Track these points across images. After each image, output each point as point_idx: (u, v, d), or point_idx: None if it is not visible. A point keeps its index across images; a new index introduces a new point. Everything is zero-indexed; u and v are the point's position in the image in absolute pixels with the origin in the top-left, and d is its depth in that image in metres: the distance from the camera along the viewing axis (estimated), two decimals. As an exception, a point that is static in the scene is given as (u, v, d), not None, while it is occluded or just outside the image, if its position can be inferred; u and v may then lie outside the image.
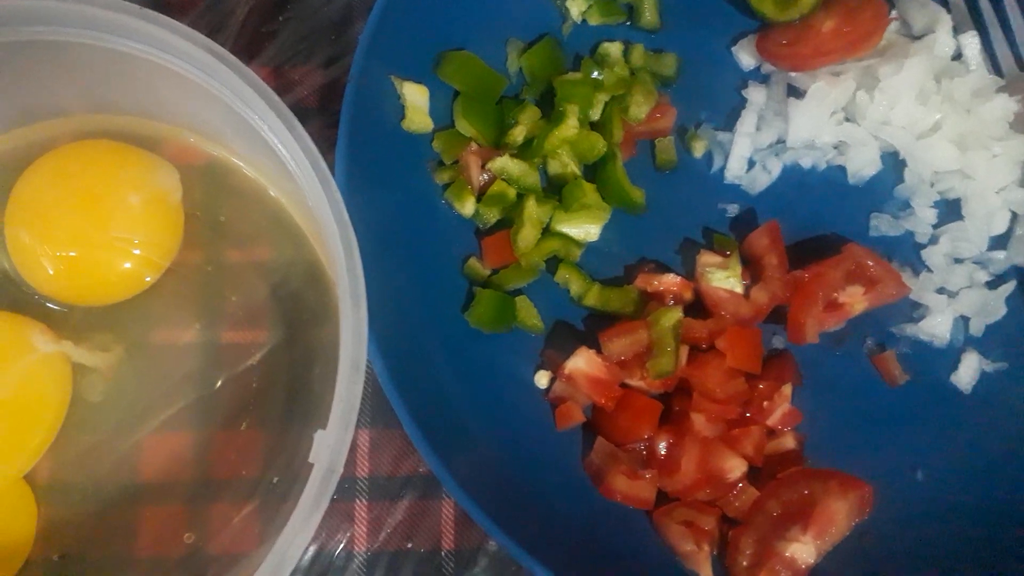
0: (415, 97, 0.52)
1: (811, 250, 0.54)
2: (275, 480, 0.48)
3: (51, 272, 0.49)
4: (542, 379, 0.52)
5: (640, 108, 0.54)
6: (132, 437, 0.50)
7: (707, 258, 0.52)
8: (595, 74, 0.54)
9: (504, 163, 0.52)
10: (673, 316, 0.50)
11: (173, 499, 0.50)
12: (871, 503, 0.48)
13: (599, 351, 0.51)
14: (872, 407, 0.53)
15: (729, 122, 0.57)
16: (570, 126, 0.52)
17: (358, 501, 0.51)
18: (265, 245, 0.53)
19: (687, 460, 0.48)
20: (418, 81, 0.52)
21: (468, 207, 0.53)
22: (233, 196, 0.53)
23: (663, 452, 0.49)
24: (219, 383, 0.51)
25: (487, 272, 0.53)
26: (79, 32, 0.44)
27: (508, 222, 0.54)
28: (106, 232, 0.49)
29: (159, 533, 0.49)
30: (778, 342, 0.53)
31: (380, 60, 0.50)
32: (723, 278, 0.51)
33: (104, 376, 0.50)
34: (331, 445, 0.39)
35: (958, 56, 0.55)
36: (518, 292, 0.53)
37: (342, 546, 0.51)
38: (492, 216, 0.53)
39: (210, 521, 0.49)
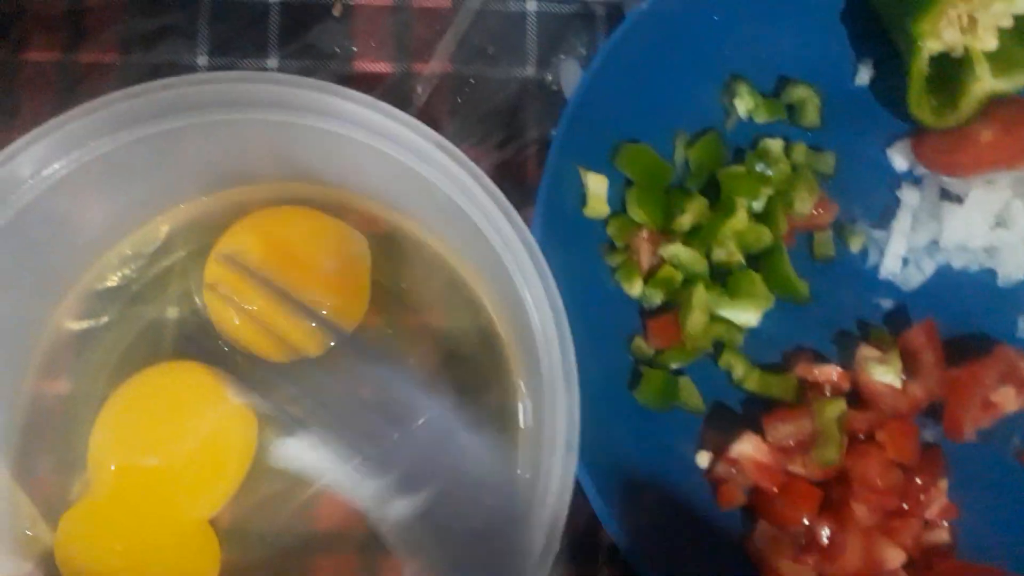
0: (596, 186, 0.55)
1: (961, 348, 0.56)
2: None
3: (242, 326, 0.51)
4: (703, 459, 0.54)
5: (804, 203, 0.56)
6: (310, 488, 0.52)
7: (867, 351, 0.54)
8: (759, 167, 0.57)
9: (676, 250, 0.55)
10: (838, 407, 0.52)
11: (347, 548, 0.52)
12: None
13: (761, 435, 0.53)
14: (1019, 504, 0.54)
15: (883, 221, 0.59)
16: (740, 219, 0.55)
17: None
18: (441, 311, 0.56)
19: (850, 548, 0.50)
20: (597, 171, 0.55)
21: (636, 288, 0.56)
22: (413, 264, 0.56)
23: (825, 539, 0.51)
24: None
25: (652, 351, 0.55)
26: (287, 112, 0.47)
27: (671, 305, 0.56)
28: (300, 294, 0.51)
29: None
30: (927, 436, 0.55)
31: (568, 152, 0.53)
32: (883, 372, 0.53)
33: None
34: (548, 525, 0.41)
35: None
36: (679, 372, 0.55)
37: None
38: (658, 297, 0.56)
39: (382, 571, 0.51)
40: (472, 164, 0.44)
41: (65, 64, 0.59)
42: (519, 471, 0.47)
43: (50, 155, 0.44)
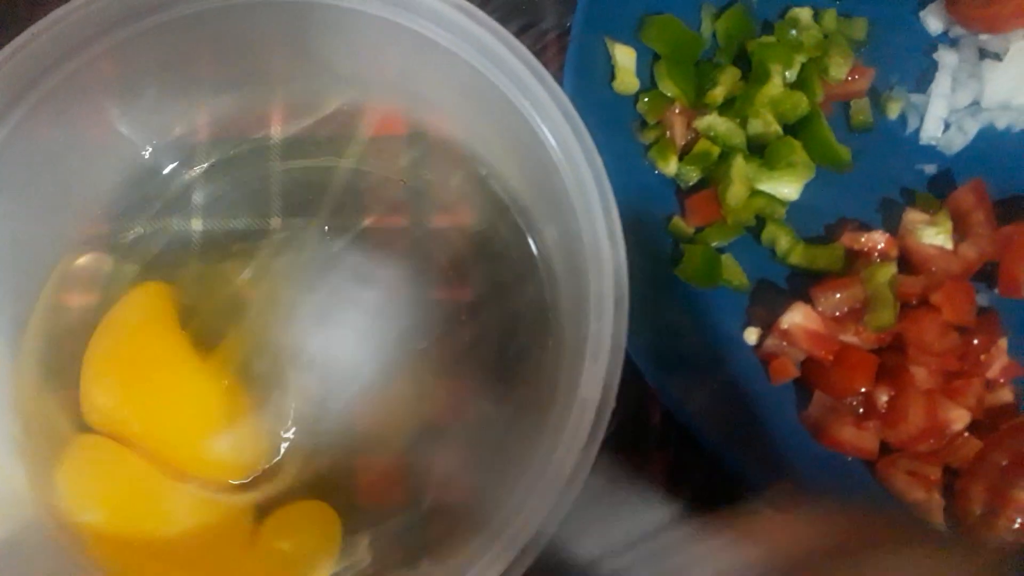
0: (624, 59, 0.53)
1: (1011, 209, 0.55)
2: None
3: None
4: (751, 335, 0.52)
5: (840, 68, 0.54)
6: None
7: (914, 215, 0.52)
8: (791, 34, 0.55)
9: (712, 121, 0.53)
10: (889, 271, 0.50)
11: (388, 451, 0.50)
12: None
13: (811, 306, 0.51)
14: (1081, 361, 0.52)
15: (920, 85, 0.57)
16: (775, 85, 0.53)
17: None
18: (466, 210, 0.54)
19: (912, 411, 0.48)
20: (625, 44, 0.53)
21: (671, 166, 0.54)
22: (437, 163, 0.54)
23: (884, 404, 0.49)
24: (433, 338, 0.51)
25: (691, 230, 0.53)
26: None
27: (708, 182, 0.54)
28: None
29: (377, 483, 0.49)
30: (982, 300, 0.53)
31: (593, 25, 0.51)
32: (933, 234, 0.51)
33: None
34: (603, 379, 0.39)
35: None
36: (721, 251, 0.53)
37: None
38: (694, 175, 0.54)
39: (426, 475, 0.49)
40: (497, 25, 0.42)
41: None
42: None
43: (56, 49, 0.42)
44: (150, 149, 0.51)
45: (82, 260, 0.50)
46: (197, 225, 0.52)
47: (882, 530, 0.34)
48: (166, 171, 0.51)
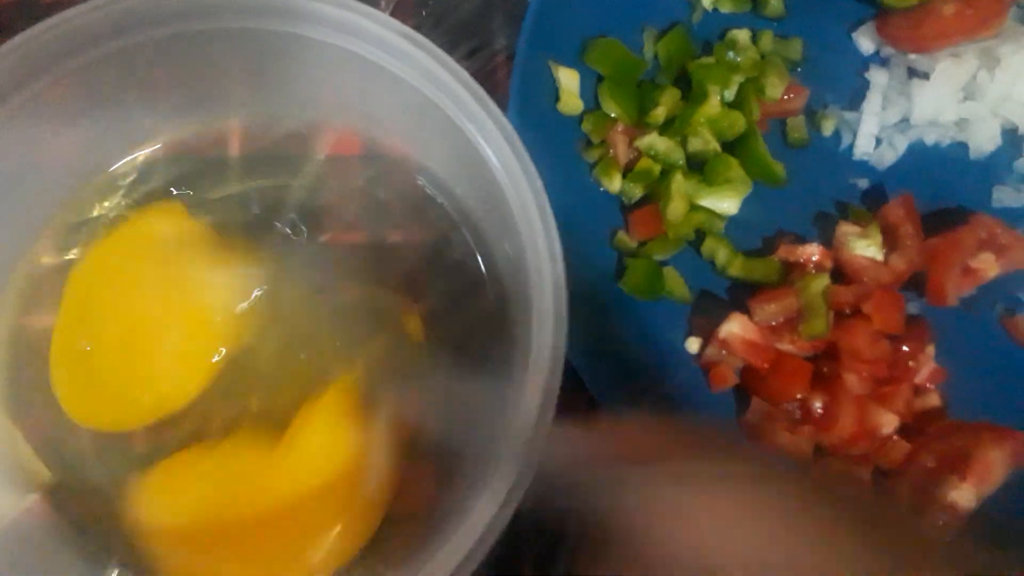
0: (568, 81, 0.55)
1: (938, 221, 0.57)
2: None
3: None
4: (693, 345, 0.55)
5: (776, 88, 0.57)
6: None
7: (846, 228, 0.55)
8: (728, 56, 0.57)
9: (652, 140, 0.55)
10: (822, 282, 0.53)
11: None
12: (1025, 451, 0.50)
13: (748, 316, 0.53)
14: (1006, 366, 0.55)
15: (853, 103, 0.60)
16: (713, 105, 0.55)
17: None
18: (419, 226, 0.55)
19: (844, 416, 0.51)
20: (569, 67, 0.55)
21: (615, 183, 0.56)
22: (391, 182, 0.56)
23: (819, 410, 0.51)
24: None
25: (635, 244, 0.56)
26: (251, 17, 0.47)
27: (650, 198, 0.56)
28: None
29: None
30: (912, 308, 0.56)
31: (538, 48, 0.53)
32: (864, 246, 0.54)
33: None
34: (542, 392, 0.41)
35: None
36: (663, 264, 0.56)
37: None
38: (637, 191, 0.56)
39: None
40: (441, 52, 0.44)
41: (25, 4, 0.58)
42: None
43: (10, 78, 0.43)
44: (108, 169, 0.52)
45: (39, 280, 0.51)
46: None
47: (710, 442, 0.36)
48: (124, 190, 0.52)
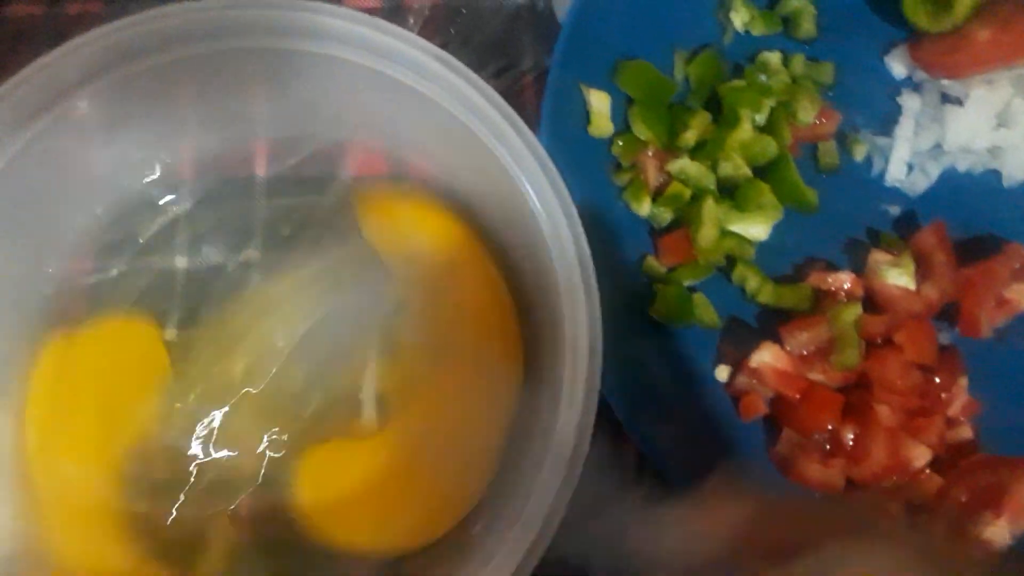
0: (599, 103, 0.54)
1: (970, 250, 0.56)
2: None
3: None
4: (722, 372, 0.54)
5: (807, 112, 0.56)
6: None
7: (879, 256, 0.54)
8: (760, 79, 0.57)
9: (683, 164, 0.54)
10: (854, 311, 0.52)
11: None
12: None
13: (779, 345, 0.53)
14: (1040, 399, 0.54)
15: (885, 128, 0.59)
16: (745, 129, 0.55)
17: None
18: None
19: (876, 449, 0.50)
20: (600, 89, 0.55)
21: (645, 207, 0.55)
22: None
23: (850, 441, 0.50)
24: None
25: (664, 269, 0.55)
26: (279, 38, 0.46)
27: (680, 223, 0.56)
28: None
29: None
30: (944, 339, 0.55)
31: (570, 70, 0.53)
32: (897, 275, 0.53)
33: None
34: (576, 426, 0.40)
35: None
36: (692, 290, 0.55)
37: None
38: (667, 216, 0.55)
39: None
40: (472, 74, 0.43)
41: (50, 16, 0.57)
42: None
43: (38, 98, 0.43)
44: (135, 188, 0.52)
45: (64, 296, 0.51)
46: (181, 263, 0.52)
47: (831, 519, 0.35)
48: (149, 210, 0.52)
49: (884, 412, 0.50)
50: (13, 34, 0.57)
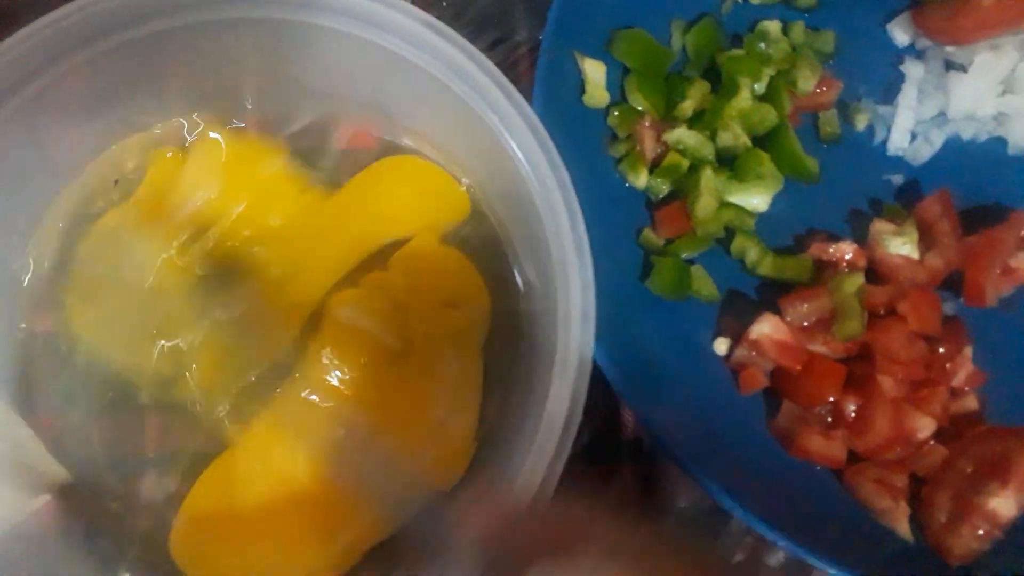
0: (594, 73, 0.53)
1: (975, 218, 0.55)
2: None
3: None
4: (721, 346, 0.53)
5: (808, 81, 0.55)
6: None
7: (881, 226, 0.53)
8: (759, 47, 0.55)
9: (681, 134, 0.53)
10: (856, 281, 0.51)
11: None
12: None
13: (779, 316, 0.51)
14: (1045, 369, 0.53)
15: (887, 96, 0.58)
16: (744, 98, 0.53)
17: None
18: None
19: (879, 420, 0.49)
20: (595, 58, 0.54)
21: (642, 179, 0.54)
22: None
23: (852, 413, 0.49)
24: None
25: (661, 242, 0.54)
26: (268, 7, 0.45)
27: (678, 194, 0.55)
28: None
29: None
30: (948, 309, 0.54)
31: (564, 38, 0.51)
32: (900, 244, 0.52)
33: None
34: (570, 393, 0.39)
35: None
36: (691, 262, 0.54)
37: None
38: (664, 187, 0.54)
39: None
40: (463, 40, 0.42)
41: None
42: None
43: (20, 69, 0.42)
44: (117, 164, 0.51)
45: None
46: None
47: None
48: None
49: (887, 383, 0.49)
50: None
